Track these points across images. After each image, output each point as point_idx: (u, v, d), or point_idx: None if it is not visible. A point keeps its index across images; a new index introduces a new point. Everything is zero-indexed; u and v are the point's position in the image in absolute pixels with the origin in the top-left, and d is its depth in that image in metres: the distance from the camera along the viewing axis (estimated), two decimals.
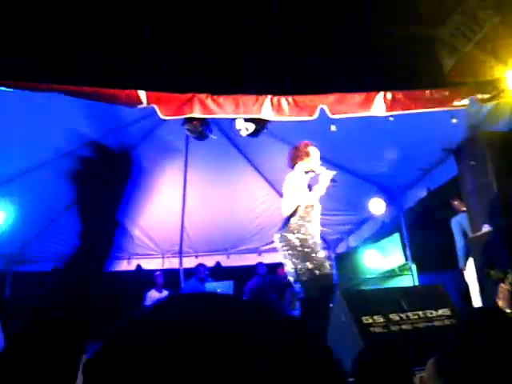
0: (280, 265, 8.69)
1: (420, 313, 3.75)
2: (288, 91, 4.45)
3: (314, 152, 4.84)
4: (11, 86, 3.97)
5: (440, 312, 3.79)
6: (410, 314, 3.73)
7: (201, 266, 8.60)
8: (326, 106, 4.39)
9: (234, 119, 4.85)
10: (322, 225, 4.92)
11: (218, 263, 9.11)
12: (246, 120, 4.78)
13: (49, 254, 7.74)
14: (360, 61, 4.69)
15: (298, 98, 4.43)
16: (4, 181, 6.05)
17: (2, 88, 3.97)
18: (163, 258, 9.01)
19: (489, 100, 4.58)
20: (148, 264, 8.87)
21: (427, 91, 4.53)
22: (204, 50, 4.70)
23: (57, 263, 7.26)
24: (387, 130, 5.27)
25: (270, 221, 8.38)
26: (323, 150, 4.97)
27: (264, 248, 8.88)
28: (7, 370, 0.70)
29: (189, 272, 8.83)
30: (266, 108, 4.41)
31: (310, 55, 4.77)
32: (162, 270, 8.70)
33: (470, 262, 5.66)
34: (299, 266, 4.53)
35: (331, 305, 4.04)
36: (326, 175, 4.73)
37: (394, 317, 3.68)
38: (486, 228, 5.11)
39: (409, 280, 7.81)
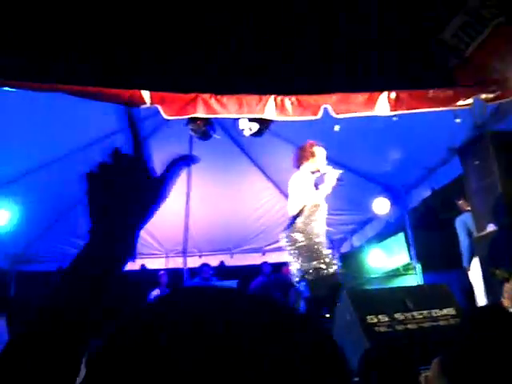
0: (284, 264, 8.71)
1: (425, 312, 3.75)
2: (291, 91, 4.45)
3: (320, 152, 4.84)
4: (15, 86, 3.98)
5: (445, 311, 3.78)
6: (414, 313, 3.73)
7: (205, 265, 8.60)
8: (330, 106, 4.38)
9: (238, 119, 4.85)
10: (327, 224, 4.92)
11: (221, 263, 9.12)
12: (250, 120, 4.79)
13: (53, 254, 7.77)
14: (364, 60, 4.68)
15: (302, 97, 4.43)
16: (8, 181, 6.07)
17: (6, 88, 3.98)
18: (167, 257, 9.02)
19: (493, 99, 4.57)
20: (152, 264, 8.88)
21: (431, 91, 4.52)
22: (207, 50, 4.70)
23: (61, 263, 7.28)
24: (391, 130, 5.26)
25: (273, 220, 8.38)
26: (327, 149, 4.97)
27: (268, 247, 8.88)
28: (8, 368, 0.70)
29: (193, 272, 8.84)
30: (270, 108, 4.41)
31: (313, 54, 4.77)
32: (166, 270, 8.70)
33: (475, 261, 5.65)
34: (305, 265, 4.53)
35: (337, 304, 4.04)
36: (332, 174, 4.74)
37: (399, 316, 3.67)
38: (490, 227, 5.09)
39: (413, 279, 7.79)
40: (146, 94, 4.20)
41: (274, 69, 4.70)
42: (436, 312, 3.77)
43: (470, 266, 5.89)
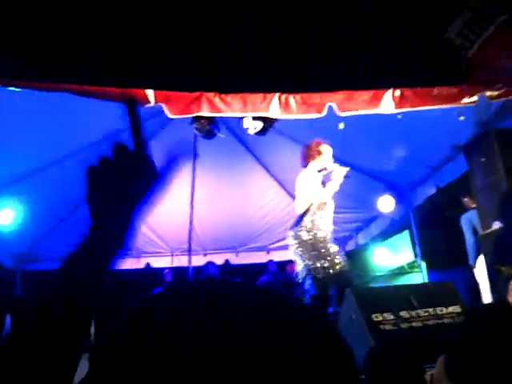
0: (289, 262, 8.72)
1: (430, 310, 3.74)
2: (296, 89, 4.45)
3: (327, 150, 4.84)
4: (20, 86, 3.99)
5: (450, 309, 3.77)
6: (420, 311, 3.72)
7: (210, 264, 8.61)
8: (335, 104, 4.38)
9: (242, 117, 4.85)
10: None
11: (226, 261, 9.12)
12: (254, 118, 4.79)
13: (58, 253, 7.79)
14: (368, 58, 4.67)
15: (306, 95, 4.42)
16: (14, 180, 6.09)
17: (11, 88, 3.99)
18: (172, 256, 9.04)
19: (498, 97, 4.55)
20: (157, 262, 8.90)
21: (436, 88, 4.50)
22: (211, 49, 4.70)
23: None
24: (396, 127, 5.25)
25: (278, 218, 8.38)
26: (331, 147, 4.97)
27: (273, 246, 8.89)
28: (3, 368, 0.71)
29: (198, 270, 8.85)
30: (274, 106, 4.41)
31: (317, 52, 4.76)
32: (171, 268, 8.72)
33: (481, 259, 5.63)
34: (312, 264, 4.54)
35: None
36: (339, 172, 4.74)
37: (404, 314, 3.67)
38: (496, 225, 5.08)
39: (418, 277, 7.78)
40: (150, 93, 4.21)
41: (278, 68, 4.70)
42: (441, 310, 3.77)
43: (475, 263, 5.88)
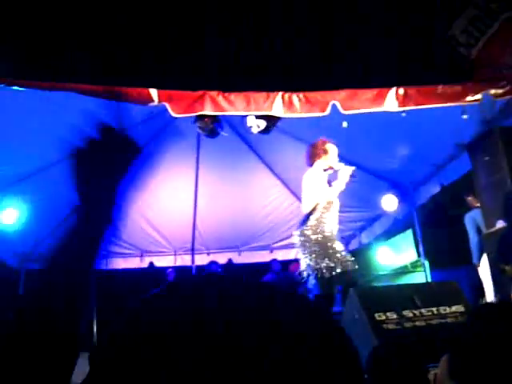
0: (292, 261, 8.71)
1: (433, 309, 3.73)
2: (299, 88, 4.44)
3: (332, 149, 4.83)
4: (25, 85, 4.00)
5: (454, 308, 3.76)
6: (423, 310, 3.71)
7: (213, 263, 8.62)
8: (338, 102, 4.37)
9: (245, 116, 4.85)
10: None
11: (229, 260, 9.13)
12: (257, 117, 4.78)
13: None
14: (371, 56, 4.66)
15: (310, 94, 4.42)
16: (17, 179, 6.10)
17: (15, 87, 4.00)
18: (175, 255, 9.04)
19: (502, 95, 4.53)
20: (160, 261, 8.91)
21: (439, 86, 4.49)
22: (214, 49, 4.70)
23: None
24: (400, 126, 5.23)
25: (281, 218, 8.37)
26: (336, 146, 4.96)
27: (276, 245, 8.88)
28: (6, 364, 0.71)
29: (201, 269, 8.86)
30: (277, 105, 4.40)
31: (321, 51, 4.75)
32: (174, 268, 8.73)
33: (485, 258, 5.62)
34: (318, 263, 4.52)
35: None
36: (346, 171, 4.73)
37: (408, 313, 3.66)
38: (500, 224, 5.06)
39: (421, 277, 7.77)
40: (153, 92, 4.21)
41: (282, 66, 4.70)
42: (445, 309, 3.76)
43: (479, 262, 5.86)
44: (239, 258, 9.12)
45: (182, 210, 8.14)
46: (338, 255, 4.57)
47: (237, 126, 6.28)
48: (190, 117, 4.61)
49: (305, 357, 0.50)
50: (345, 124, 4.66)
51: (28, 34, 4.18)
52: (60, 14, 4.31)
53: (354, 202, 7.56)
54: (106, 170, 0.94)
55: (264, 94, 4.43)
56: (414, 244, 8.89)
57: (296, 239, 4.76)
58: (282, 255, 8.84)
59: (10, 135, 5.08)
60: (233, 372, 0.47)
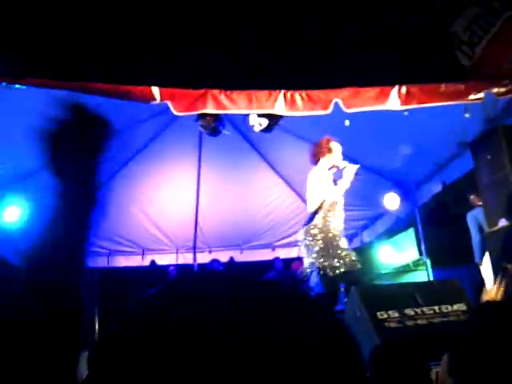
0: (294, 260, 8.71)
1: (435, 308, 3.73)
2: (301, 86, 4.43)
3: (337, 147, 4.83)
4: (26, 83, 4.00)
5: (455, 307, 3.76)
6: (425, 308, 3.71)
7: (215, 261, 8.63)
8: (341, 100, 4.36)
9: (248, 115, 4.84)
10: None
11: (231, 258, 9.13)
12: (259, 115, 4.78)
13: None
14: (374, 55, 4.66)
15: (312, 92, 4.41)
16: (20, 177, 6.11)
17: (18, 85, 4.00)
18: (177, 253, 9.05)
19: (505, 93, 4.53)
20: (162, 259, 8.91)
21: (442, 85, 4.48)
22: (216, 46, 4.70)
23: None
24: (402, 124, 5.23)
25: (283, 216, 8.37)
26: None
27: (278, 243, 8.88)
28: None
29: (203, 267, 8.86)
30: (280, 103, 4.40)
31: (323, 50, 4.75)
32: (176, 266, 8.73)
33: (486, 256, 5.61)
34: (322, 262, 4.52)
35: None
36: (350, 169, 4.73)
37: (409, 312, 3.66)
38: (502, 222, 5.05)
39: (423, 275, 7.76)
40: (156, 91, 4.21)
41: (284, 65, 4.69)
42: (446, 308, 3.76)
43: (481, 261, 5.86)
44: (241, 256, 9.12)
45: (184, 208, 8.14)
46: (343, 254, 4.57)
47: (239, 124, 6.28)
48: (192, 115, 4.61)
49: (307, 354, 0.49)
50: (347, 122, 4.66)
51: (31, 33, 4.18)
52: (63, 13, 4.32)
53: (356, 201, 7.55)
54: (79, 149, 0.94)
55: (266, 93, 4.42)
56: (415, 242, 8.89)
57: (301, 237, 4.76)
58: (283, 253, 8.84)
59: (13, 133, 5.09)
60: (232, 374, 0.47)
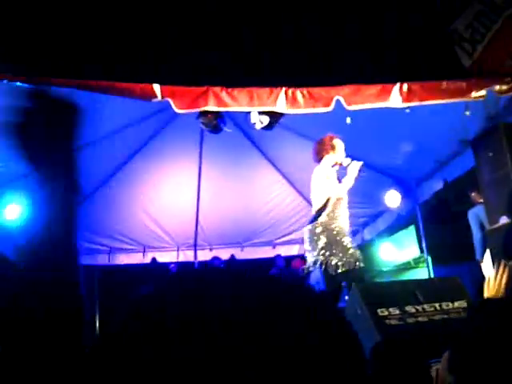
0: (295, 257, 8.72)
1: (436, 305, 3.73)
2: (303, 83, 4.43)
3: (340, 144, 4.82)
4: (25, 81, 4.00)
5: (456, 304, 3.76)
6: (425, 306, 3.71)
7: (215, 258, 8.63)
8: (342, 98, 4.35)
9: (249, 112, 4.84)
10: None
11: (232, 256, 9.13)
12: (260, 113, 4.77)
13: None
14: (376, 52, 4.65)
15: (313, 89, 4.40)
16: (19, 175, 6.11)
17: (17, 83, 4.00)
18: (178, 250, 9.05)
19: (506, 91, 4.52)
20: (163, 257, 8.92)
21: (444, 82, 4.47)
22: (218, 44, 4.69)
23: None
24: (403, 122, 5.22)
25: (284, 214, 8.37)
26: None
27: (278, 241, 8.88)
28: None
29: (204, 265, 8.86)
30: (281, 100, 4.39)
31: (325, 47, 4.74)
32: (177, 263, 8.74)
33: (487, 254, 5.61)
34: (327, 259, 4.52)
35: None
36: (354, 166, 4.72)
37: (410, 309, 3.66)
38: (503, 220, 5.05)
39: (424, 272, 7.76)
40: (157, 88, 4.21)
41: (285, 62, 4.68)
42: (447, 305, 3.76)
43: (482, 258, 5.86)
44: (242, 254, 9.12)
45: (185, 206, 8.15)
46: (348, 252, 4.57)
47: (240, 121, 6.28)
48: (194, 112, 4.60)
49: (308, 351, 0.49)
50: (348, 120, 4.66)
51: (32, 31, 4.18)
52: (64, 11, 4.31)
53: (357, 198, 7.54)
54: (51, 136, 0.93)
55: (267, 90, 4.42)
56: (416, 240, 8.89)
57: (306, 235, 4.75)
58: (284, 251, 8.84)
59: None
60: (234, 369, 0.47)
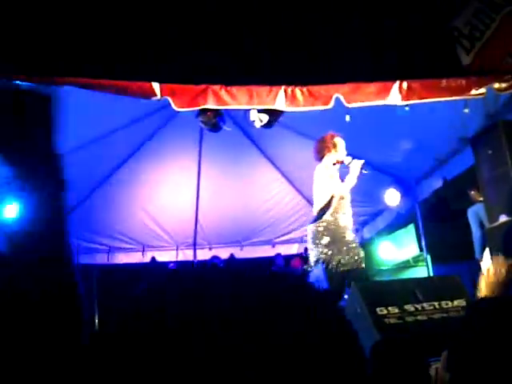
0: (294, 256, 8.72)
1: (435, 304, 3.73)
2: (302, 82, 4.42)
3: (341, 142, 4.82)
4: (25, 80, 3.99)
5: (456, 303, 3.76)
6: (425, 304, 3.71)
7: (215, 258, 8.63)
8: (342, 95, 4.35)
9: (248, 110, 4.83)
10: None
11: (231, 255, 9.13)
12: (259, 111, 4.77)
13: None
14: (376, 50, 4.64)
15: (313, 87, 4.39)
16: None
17: (17, 82, 3.99)
18: (177, 250, 9.05)
19: (506, 89, 4.51)
20: (162, 256, 8.91)
21: (443, 80, 4.47)
22: (217, 42, 4.68)
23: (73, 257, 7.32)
24: (403, 120, 5.22)
25: (283, 213, 8.37)
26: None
27: (278, 240, 8.88)
28: None
29: (203, 264, 8.86)
30: (280, 99, 4.38)
31: (325, 45, 4.73)
32: (176, 262, 8.73)
33: (487, 252, 5.61)
34: (330, 258, 4.51)
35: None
36: (356, 165, 4.72)
37: (409, 308, 3.66)
38: (503, 218, 5.05)
39: (424, 271, 7.76)
40: (156, 86, 4.20)
41: (284, 60, 4.67)
42: (447, 303, 3.76)
43: (482, 257, 5.86)
44: (241, 253, 9.12)
45: (184, 205, 8.14)
46: (351, 251, 4.57)
47: (239, 120, 6.27)
48: (193, 111, 4.60)
49: (309, 348, 0.49)
50: (348, 118, 4.65)
51: (29, 30, 4.17)
52: (63, 11, 4.30)
53: (356, 197, 7.51)
54: (18, 123, 0.93)
55: (267, 88, 4.41)
56: (416, 238, 8.88)
57: (309, 233, 4.74)
58: (283, 250, 8.84)
59: None
60: (233, 368, 0.46)
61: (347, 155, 4.96)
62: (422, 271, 8.32)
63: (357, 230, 8.94)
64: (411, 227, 9.09)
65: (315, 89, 4.41)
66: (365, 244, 9.19)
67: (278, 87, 4.40)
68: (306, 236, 4.93)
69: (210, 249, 9.02)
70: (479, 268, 5.92)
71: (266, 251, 8.96)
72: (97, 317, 7.64)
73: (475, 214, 6.00)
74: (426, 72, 4.57)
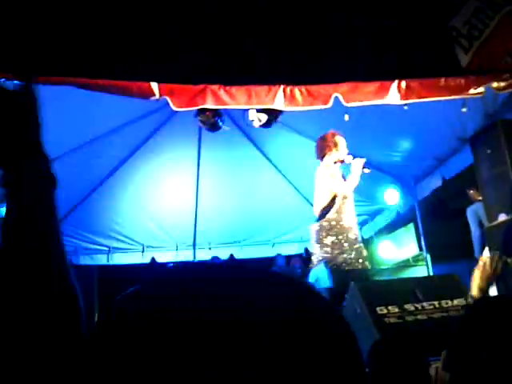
0: (294, 256, 8.72)
1: (435, 303, 3.73)
2: (301, 81, 4.42)
3: (342, 141, 4.82)
4: (24, 79, 3.98)
5: (456, 302, 3.76)
6: (425, 304, 3.71)
7: (215, 258, 8.63)
8: (340, 95, 4.35)
9: (247, 110, 4.83)
10: None
11: (231, 255, 9.13)
12: (258, 111, 4.77)
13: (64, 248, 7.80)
14: (375, 49, 4.64)
15: (312, 87, 4.40)
16: None
17: (16, 81, 3.98)
18: (177, 250, 9.05)
19: (505, 88, 4.51)
20: (162, 257, 8.91)
21: (442, 79, 4.47)
22: (216, 42, 4.68)
23: (72, 256, 7.33)
24: (401, 119, 5.22)
25: (283, 212, 8.36)
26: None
27: (278, 240, 8.88)
28: None
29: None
30: (279, 98, 4.39)
31: (323, 45, 4.73)
32: (176, 263, 8.72)
33: (486, 251, 5.61)
34: (334, 257, 4.51)
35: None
36: (357, 163, 4.72)
37: (409, 307, 3.66)
38: (502, 217, 5.06)
39: (423, 270, 7.76)
40: (154, 86, 4.20)
41: (283, 60, 4.67)
42: (447, 303, 3.76)
43: (481, 256, 5.86)
44: (241, 253, 9.12)
45: (184, 205, 8.14)
46: (355, 250, 4.56)
47: (238, 119, 6.27)
48: (192, 111, 4.60)
49: (308, 351, 0.49)
50: (346, 117, 4.65)
51: (28, 30, 4.16)
52: (62, 9, 4.30)
53: (355, 196, 7.54)
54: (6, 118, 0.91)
55: (265, 88, 4.41)
56: (415, 238, 8.89)
57: (313, 232, 4.74)
58: (284, 250, 8.84)
59: None
60: (233, 370, 0.46)
61: (348, 154, 4.96)
62: (421, 270, 8.33)
63: None
64: (411, 226, 9.10)
65: (314, 88, 4.41)
66: (364, 243, 9.21)
67: (277, 87, 4.40)
68: (307, 236, 4.93)
69: (210, 249, 9.03)
70: None
71: (266, 251, 8.96)
72: (97, 317, 7.64)
73: (474, 213, 6.01)
74: (424, 71, 4.56)
